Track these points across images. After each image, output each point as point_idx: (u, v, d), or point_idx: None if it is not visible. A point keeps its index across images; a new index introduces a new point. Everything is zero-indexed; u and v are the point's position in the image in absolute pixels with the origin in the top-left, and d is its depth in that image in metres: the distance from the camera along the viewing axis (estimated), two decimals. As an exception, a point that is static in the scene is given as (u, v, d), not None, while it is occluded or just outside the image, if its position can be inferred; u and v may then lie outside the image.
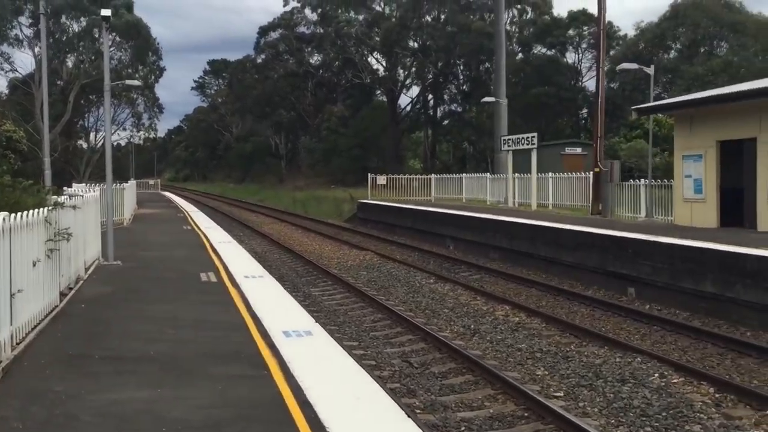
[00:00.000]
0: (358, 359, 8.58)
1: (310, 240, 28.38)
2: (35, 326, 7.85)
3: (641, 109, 20.33)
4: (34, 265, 7.52)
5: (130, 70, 44.20)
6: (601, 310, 13.81)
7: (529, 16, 53.59)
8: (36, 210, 7.75)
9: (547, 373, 9.89)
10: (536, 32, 51.59)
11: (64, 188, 16.85)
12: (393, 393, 8.41)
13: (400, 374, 9.86)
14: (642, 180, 21.13)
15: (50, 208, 8.31)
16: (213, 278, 12.20)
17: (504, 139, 28.35)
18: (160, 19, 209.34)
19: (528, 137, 26.59)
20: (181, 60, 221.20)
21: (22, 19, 43.22)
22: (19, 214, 7.01)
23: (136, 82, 25.29)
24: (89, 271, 12.34)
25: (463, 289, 16.45)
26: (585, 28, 51.12)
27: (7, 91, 55.17)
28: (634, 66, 21.24)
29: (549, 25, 50.49)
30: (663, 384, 9.14)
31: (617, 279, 15.25)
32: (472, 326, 12.84)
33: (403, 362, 10.54)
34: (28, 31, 43.93)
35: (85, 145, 59.97)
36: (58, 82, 49.40)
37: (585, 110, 53.60)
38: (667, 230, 16.70)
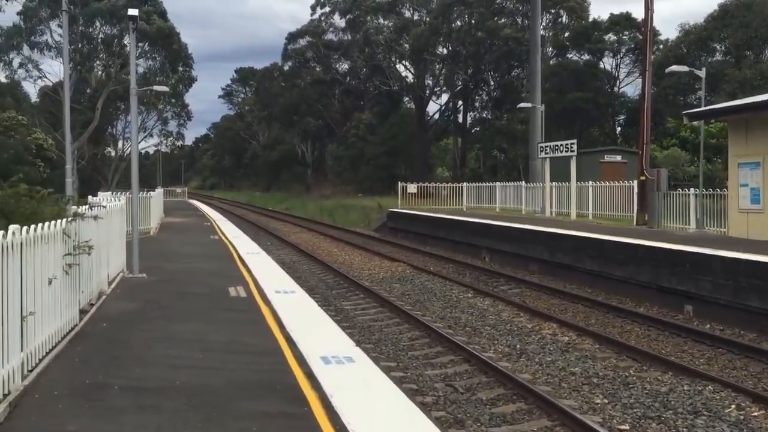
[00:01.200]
0: (404, 387, 7.78)
1: (339, 250, 27.70)
2: (51, 349, 7.15)
3: (692, 114, 19.26)
4: (50, 282, 6.83)
5: (160, 78, 43.71)
6: (657, 329, 12.84)
7: (563, 20, 52.48)
8: (53, 222, 7.06)
9: (607, 401, 9.00)
10: (572, 36, 50.39)
11: (89, 197, 16.27)
12: (439, 423, 7.61)
13: (445, 400, 9.05)
14: (691, 189, 20.04)
15: (69, 219, 7.62)
16: (242, 293, 11.47)
17: (541, 147, 27.37)
18: (188, 29, 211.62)
19: (567, 144, 25.61)
20: (209, 68, 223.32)
21: (54, 26, 42.94)
22: (33, 226, 6.31)
23: (164, 88, 24.79)
24: (113, 285, 11.67)
25: (504, 305, 15.58)
26: (626, 32, 49.92)
27: (37, 99, 55.32)
28: (683, 68, 20.15)
29: (587, 28, 49.33)
30: (742, 417, 8.20)
31: (672, 295, 14.24)
32: (518, 346, 11.98)
33: (447, 386, 9.71)
34: (60, 38, 43.66)
35: (113, 153, 60.02)
36: (87, 90, 49.34)
37: (622, 117, 52.28)
38: (724, 243, 15.63)
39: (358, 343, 9.65)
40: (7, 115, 56.74)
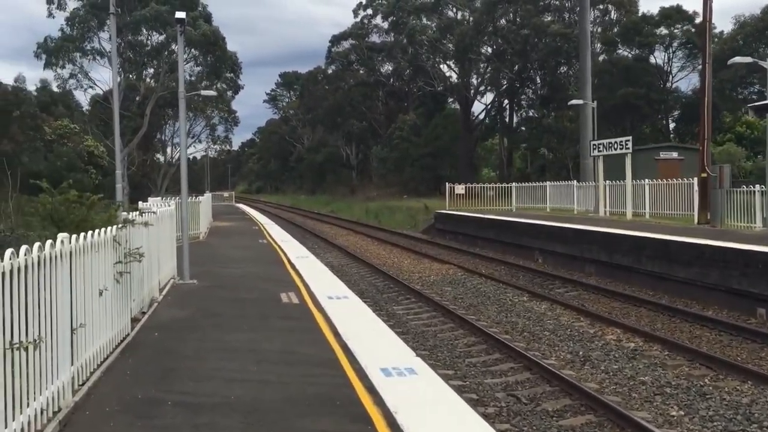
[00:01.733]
0: (464, 397, 7.34)
1: (387, 252, 27.35)
2: (102, 362, 6.91)
3: (758, 107, 18.29)
4: (100, 293, 6.59)
5: (206, 82, 43.87)
6: (729, 334, 12.11)
7: (612, 16, 51.11)
8: (103, 229, 6.82)
9: (683, 413, 8.41)
10: (622, 31, 48.96)
11: (138, 203, 16.21)
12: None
13: (508, 412, 8.59)
14: (757, 186, 19.07)
15: (120, 226, 7.39)
16: (294, 299, 11.17)
17: (594, 144, 26.53)
18: (230, 36, 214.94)
19: (621, 141, 24.76)
20: (253, 74, 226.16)
21: (103, 35, 43.41)
22: (82, 234, 6.08)
23: (211, 92, 24.79)
24: (164, 292, 11.48)
25: (562, 308, 14.99)
26: (678, 26, 48.34)
27: (89, 107, 56.40)
28: (747, 59, 19.14)
29: (636, 23, 47.85)
30: (836, 432, 7.53)
31: (743, 298, 13.46)
32: (581, 352, 11.42)
33: (509, 396, 9.24)
34: (109, 45, 44.09)
35: (162, 159, 60.84)
36: (137, 98, 50.04)
37: (676, 112, 50.62)
38: (798, 242, 14.76)
39: (416, 350, 9.26)
40: (60, 124, 58.15)
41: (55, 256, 5.27)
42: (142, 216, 8.31)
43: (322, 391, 6.26)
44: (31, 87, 62.68)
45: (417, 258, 25.04)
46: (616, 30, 50.30)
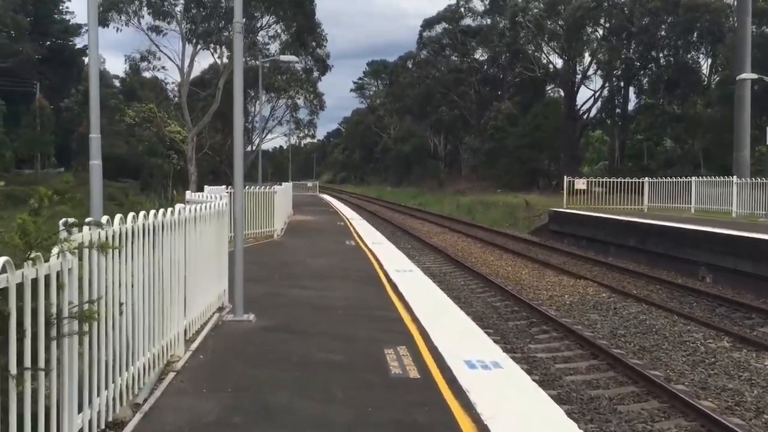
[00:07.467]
0: None
1: (495, 258, 22.71)
2: None
3: None
4: None
5: (288, 51, 38.12)
6: None
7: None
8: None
9: None
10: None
11: (187, 193, 12.02)
12: None
13: None
14: None
15: (31, 257, 2.97)
16: (411, 368, 6.48)
17: (774, 130, 20.83)
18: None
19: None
20: (339, 65, 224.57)
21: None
22: None
23: (293, 58, 20.49)
24: (196, 342, 6.90)
25: (802, 368, 9.93)
26: None
27: (177, 94, 54.37)
28: None
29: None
30: None
31: None
32: None
33: None
34: (180, 8, 38.82)
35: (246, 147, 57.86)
36: (215, 81, 46.79)
37: None
38: None
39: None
40: (142, 107, 56.22)
41: None
42: (98, 231, 3.67)
43: None
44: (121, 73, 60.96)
45: (537, 268, 20.23)
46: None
